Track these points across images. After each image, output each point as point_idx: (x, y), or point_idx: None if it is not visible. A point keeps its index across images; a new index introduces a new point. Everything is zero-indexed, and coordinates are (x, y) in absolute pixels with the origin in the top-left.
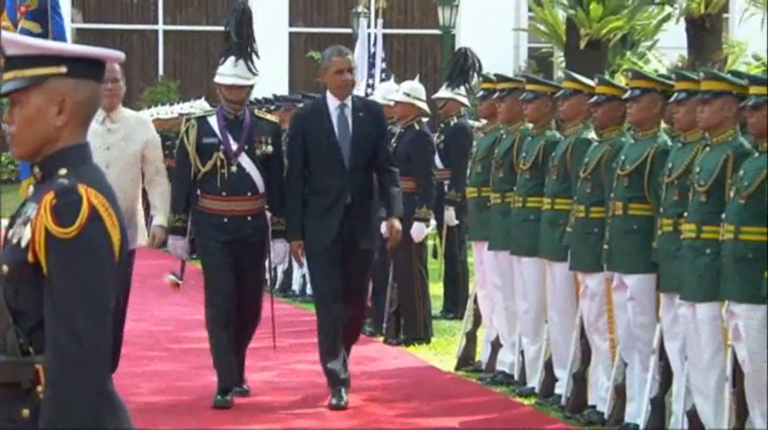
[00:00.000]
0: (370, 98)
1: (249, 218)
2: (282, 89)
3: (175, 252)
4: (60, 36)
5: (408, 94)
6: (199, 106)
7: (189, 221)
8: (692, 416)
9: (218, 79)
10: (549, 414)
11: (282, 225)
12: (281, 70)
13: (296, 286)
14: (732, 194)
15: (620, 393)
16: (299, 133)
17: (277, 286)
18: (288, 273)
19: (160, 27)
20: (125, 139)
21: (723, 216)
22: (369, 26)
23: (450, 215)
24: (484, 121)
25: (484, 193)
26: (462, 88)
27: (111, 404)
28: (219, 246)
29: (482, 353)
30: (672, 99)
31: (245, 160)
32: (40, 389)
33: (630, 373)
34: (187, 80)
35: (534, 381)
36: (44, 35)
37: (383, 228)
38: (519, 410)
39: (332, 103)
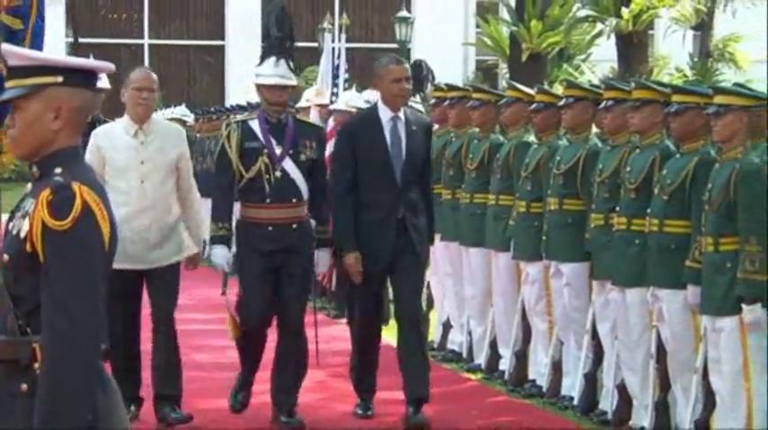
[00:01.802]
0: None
1: (294, 226)
2: (256, 97)
3: (218, 262)
4: (38, 38)
5: (369, 102)
6: (179, 112)
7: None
8: (621, 389)
9: (258, 80)
10: (494, 387)
11: (326, 233)
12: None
13: None
14: (657, 191)
15: (557, 369)
16: (350, 144)
17: None
18: None
19: (146, 41)
20: (159, 152)
21: (649, 210)
22: (333, 41)
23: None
24: (436, 126)
25: (436, 191)
26: (417, 96)
27: (103, 384)
28: (262, 260)
29: (434, 334)
30: (601, 106)
31: (289, 165)
32: (36, 365)
33: (566, 351)
34: (170, 89)
35: (481, 359)
36: (23, 33)
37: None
38: (467, 384)
39: (384, 114)
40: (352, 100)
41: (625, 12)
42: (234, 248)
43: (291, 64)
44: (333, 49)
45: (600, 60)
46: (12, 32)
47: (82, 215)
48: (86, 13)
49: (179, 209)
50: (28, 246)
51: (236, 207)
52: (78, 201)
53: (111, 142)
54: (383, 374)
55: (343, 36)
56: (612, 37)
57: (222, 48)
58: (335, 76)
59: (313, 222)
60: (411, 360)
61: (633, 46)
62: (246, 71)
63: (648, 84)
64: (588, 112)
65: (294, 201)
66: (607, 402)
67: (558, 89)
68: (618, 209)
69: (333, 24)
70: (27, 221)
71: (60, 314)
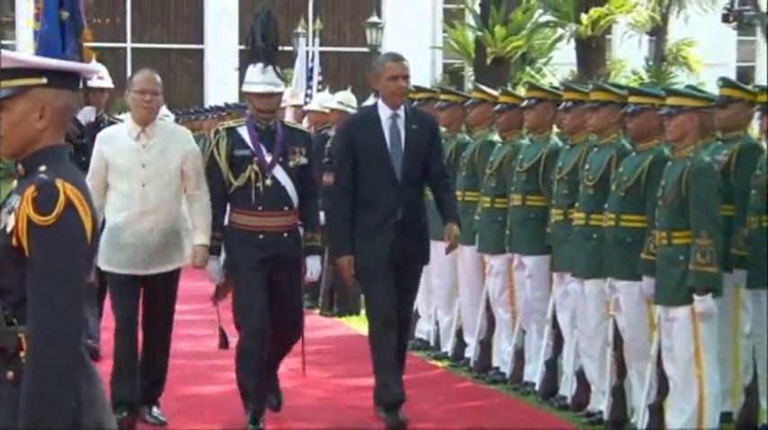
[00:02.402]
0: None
1: (285, 234)
2: (234, 98)
3: (211, 271)
4: (43, 41)
5: (342, 103)
6: (161, 113)
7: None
8: (580, 374)
9: (246, 88)
10: (460, 374)
11: (316, 241)
12: (232, 83)
13: None
14: (614, 188)
15: (519, 356)
16: (349, 143)
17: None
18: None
19: (128, 45)
20: (161, 155)
21: (606, 206)
22: (307, 44)
23: None
24: None
25: None
26: None
27: (86, 371)
28: (253, 265)
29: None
30: (561, 107)
31: (279, 173)
32: (22, 354)
33: (528, 340)
34: None
35: (447, 347)
36: (37, 34)
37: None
38: (434, 371)
39: (384, 112)
40: (326, 101)
41: (584, 18)
42: (223, 255)
43: (279, 70)
44: (307, 52)
45: (560, 64)
46: (37, 33)
47: (65, 211)
48: None
49: (184, 213)
50: (14, 241)
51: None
52: (62, 198)
53: (114, 145)
54: (360, 362)
55: (317, 40)
56: (572, 41)
57: (201, 51)
58: (309, 78)
59: (302, 230)
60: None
61: (592, 50)
62: (224, 74)
63: (605, 86)
64: (549, 113)
65: (285, 209)
66: (567, 388)
67: (521, 91)
68: (577, 204)
69: (307, 29)
70: (13, 217)
71: (45, 305)
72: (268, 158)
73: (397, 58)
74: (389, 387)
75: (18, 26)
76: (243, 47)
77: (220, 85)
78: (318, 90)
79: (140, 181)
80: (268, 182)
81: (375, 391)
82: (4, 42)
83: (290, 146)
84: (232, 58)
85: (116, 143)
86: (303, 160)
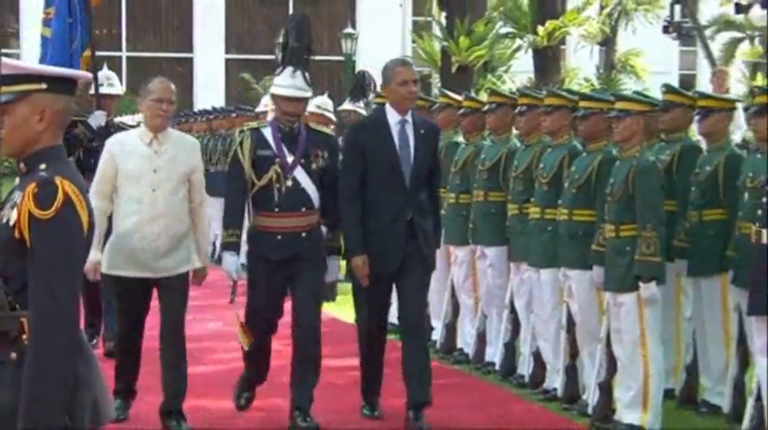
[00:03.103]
0: None
1: (303, 234)
2: (220, 102)
3: (226, 268)
4: (55, 44)
5: (319, 107)
6: (140, 118)
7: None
8: (537, 355)
9: (274, 90)
10: None
11: (337, 241)
12: (219, 88)
13: None
14: (567, 185)
15: (481, 339)
16: (358, 147)
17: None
18: None
19: (123, 54)
20: (172, 161)
21: (560, 201)
22: None
23: None
24: None
25: None
26: (361, 102)
27: (83, 352)
28: (270, 268)
29: None
30: (516, 110)
31: (300, 174)
32: (24, 337)
33: (489, 324)
34: None
35: None
36: (50, 40)
37: None
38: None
39: (392, 117)
40: None
41: (540, 30)
42: (243, 255)
43: (308, 75)
44: None
45: (519, 71)
46: (45, 40)
47: (63, 206)
48: None
49: (189, 220)
50: (16, 233)
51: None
52: (60, 194)
53: (125, 150)
54: (337, 344)
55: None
56: (530, 51)
57: (191, 59)
58: None
59: (324, 230)
60: (414, 365)
61: (548, 59)
62: (211, 80)
63: (558, 92)
64: (508, 116)
65: (304, 210)
66: (524, 367)
67: (483, 96)
68: (533, 200)
69: None
70: (15, 211)
71: (44, 292)
72: (289, 160)
73: (406, 63)
74: (375, 388)
75: (22, 37)
76: (228, 56)
77: (207, 90)
78: None
79: (151, 185)
80: (289, 183)
81: (362, 388)
82: (9, 51)
83: (313, 148)
84: (220, 67)
85: (127, 148)
86: (325, 163)
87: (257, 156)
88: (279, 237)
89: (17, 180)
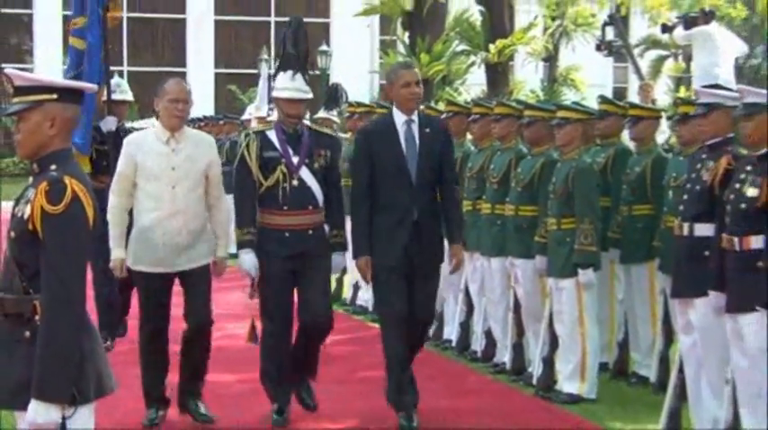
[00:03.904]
0: (270, 118)
1: (310, 231)
2: (210, 111)
3: (245, 266)
4: (92, 54)
5: None
6: (151, 123)
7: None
8: (488, 334)
9: (276, 93)
10: None
11: (341, 237)
12: (209, 98)
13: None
14: (513, 184)
15: (439, 320)
16: (366, 149)
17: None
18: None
19: (125, 68)
20: (189, 159)
21: (508, 199)
22: (269, 68)
23: None
24: (349, 134)
25: (347, 184)
26: (335, 111)
27: (88, 330)
28: (281, 263)
29: (347, 292)
30: (470, 118)
31: (305, 174)
32: (37, 318)
33: (447, 306)
34: (144, 105)
35: None
36: (84, 50)
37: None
38: (371, 331)
39: (399, 118)
40: None
41: (492, 47)
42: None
43: (307, 78)
44: (268, 74)
45: (473, 84)
46: (77, 52)
47: (72, 202)
48: None
49: (207, 215)
50: (30, 226)
51: None
52: (69, 192)
53: (143, 149)
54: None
55: (276, 65)
56: (482, 66)
57: (184, 73)
58: (269, 96)
59: (327, 227)
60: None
61: (498, 73)
62: (202, 91)
63: (506, 102)
64: (463, 123)
65: (310, 208)
66: (477, 344)
67: (441, 106)
68: (484, 197)
69: (269, 55)
70: (29, 207)
71: (54, 278)
72: (294, 160)
73: (409, 66)
74: (402, 390)
75: (35, 54)
76: (217, 70)
77: (199, 100)
78: None
79: (170, 183)
80: (294, 182)
81: (388, 391)
82: (24, 66)
83: (316, 148)
84: (210, 79)
85: (144, 147)
86: (328, 162)
87: (264, 158)
88: (287, 234)
89: (30, 179)
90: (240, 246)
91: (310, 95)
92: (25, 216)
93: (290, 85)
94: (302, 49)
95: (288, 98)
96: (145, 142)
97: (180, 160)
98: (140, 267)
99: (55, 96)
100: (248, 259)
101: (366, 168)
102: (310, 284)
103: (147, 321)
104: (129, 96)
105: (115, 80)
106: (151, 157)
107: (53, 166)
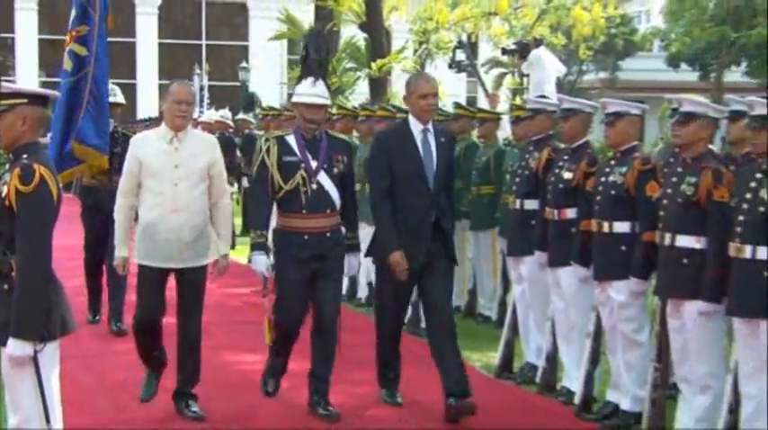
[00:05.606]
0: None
1: (328, 234)
2: (155, 114)
3: (258, 267)
4: (102, 58)
5: (223, 116)
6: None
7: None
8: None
9: (296, 99)
10: (369, 316)
11: (355, 239)
12: (154, 103)
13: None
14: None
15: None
16: (384, 154)
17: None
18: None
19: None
20: (191, 157)
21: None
22: (201, 80)
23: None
24: (262, 131)
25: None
26: (250, 114)
27: (55, 286)
28: (298, 265)
29: (345, 288)
30: (358, 119)
31: (323, 178)
32: (13, 274)
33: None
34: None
35: (361, 294)
36: (88, 58)
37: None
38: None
39: (415, 127)
40: (212, 115)
41: (373, 65)
42: (272, 255)
43: (328, 84)
44: (201, 86)
45: (359, 93)
46: (79, 59)
47: (40, 183)
48: (52, 56)
49: (209, 213)
50: (7, 203)
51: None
52: (37, 175)
53: (147, 148)
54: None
55: (206, 77)
56: (366, 80)
57: (135, 85)
58: (201, 101)
59: (344, 229)
60: (447, 361)
61: (379, 85)
62: (148, 98)
63: (386, 107)
64: (351, 123)
65: (328, 211)
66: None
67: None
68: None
69: (201, 70)
70: (6, 187)
71: (26, 243)
72: (313, 165)
73: (428, 79)
74: (389, 369)
75: (17, 68)
76: (161, 81)
77: (146, 105)
78: (207, 109)
79: (173, 180)
80: (314, 186)
81: (378, 372)
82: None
83: (334, 154)
84: (154, 89)
85: (148, 146)
86: (344, 167)
87: (283, 162)
88: (306, 236)
89: (7, 166)
90: (254, 247)
91: (329, 101)
92: (2, 194)
93: (312, 91)
94: (323, 56)
95: (309, 103)
96: (150, 141)
97: (182, 158)
98: (147, 262)
99: (25, 101)
100: (261, 260)
101: (386, 172)
102: (325, 285)
103: (136, 321)
104: (121, 99)
105: (109, 85)
106: (156, 156)
107: (24, 155)
